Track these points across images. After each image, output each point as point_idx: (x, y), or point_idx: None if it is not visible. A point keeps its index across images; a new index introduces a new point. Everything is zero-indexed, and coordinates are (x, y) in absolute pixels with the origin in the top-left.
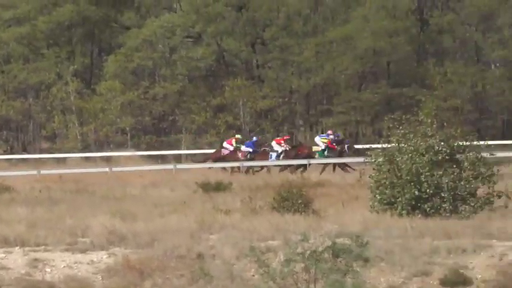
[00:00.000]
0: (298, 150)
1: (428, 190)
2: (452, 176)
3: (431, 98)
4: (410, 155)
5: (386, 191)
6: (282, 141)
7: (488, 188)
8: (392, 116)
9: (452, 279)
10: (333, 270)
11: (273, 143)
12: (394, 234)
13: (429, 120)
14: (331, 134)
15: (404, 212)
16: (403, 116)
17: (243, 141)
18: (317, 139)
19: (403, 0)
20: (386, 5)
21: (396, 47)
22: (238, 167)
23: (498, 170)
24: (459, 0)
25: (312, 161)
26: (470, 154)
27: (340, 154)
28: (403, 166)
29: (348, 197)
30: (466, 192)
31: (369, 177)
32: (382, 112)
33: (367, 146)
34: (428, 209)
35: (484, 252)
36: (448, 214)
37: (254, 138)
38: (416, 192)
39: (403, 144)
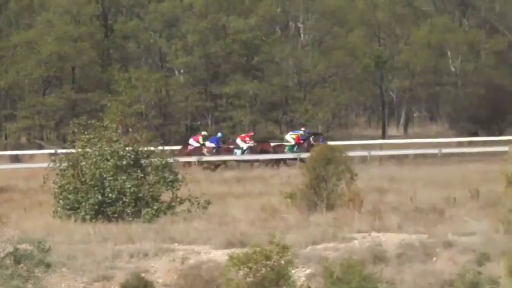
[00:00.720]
0: (263, 146)
1: (111, 195)
2: (136, 180)
3: (116, 104)
4: (94, 160)
5: (70, 196)
6: (247, 138)
7: (172, 193)
8: (77, 121)
9: (133, 283)
10: (14, 276)
11: (238, 140)
12: (77, 239)
13: (114, 126)
14: (302, 130)
15: (88, 217)
16: (88, 121)
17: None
18: (287, 136)
19: (87, 6)
20: (71, 10)
21: (81, 52)
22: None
23: (183, 175)
24: (143, 7)
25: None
26: (155, 159)
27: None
28: (87, 171)
29: (31, 203)
30: (149, 197)
31: (53, 182)
32: (67, 117)
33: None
34: (111, 214)
35: (165, 256)
36: (130, 218)
37: (218, 135)
38: (100, 197)
39: (88, 149)
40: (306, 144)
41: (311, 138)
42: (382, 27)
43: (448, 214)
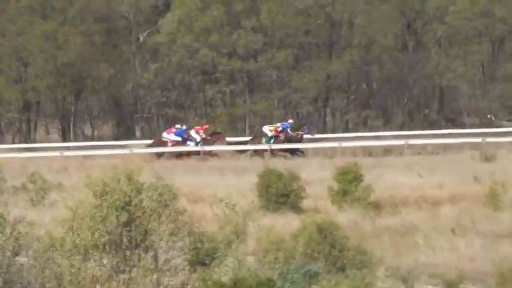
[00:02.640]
0: (217, 138)
1: None
2: None
3: None
4: None
5: None
6: (201, 130)
7: None
8: None
9: None
10: None
11: (192, 132)
12: None
13: None
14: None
15: None
16: None
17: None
18: (265, 128)
19: None
20: None
21: None
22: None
23: None
24: None
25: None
26: None
27: (300, 140)
28: None
29: None
30: None
31: None
32: None
33: None
34: None
35: None
36: None
37: (184, 127)
38: None
39: None
40: (283, 137)
41: (288, 130)
42: None
43: None
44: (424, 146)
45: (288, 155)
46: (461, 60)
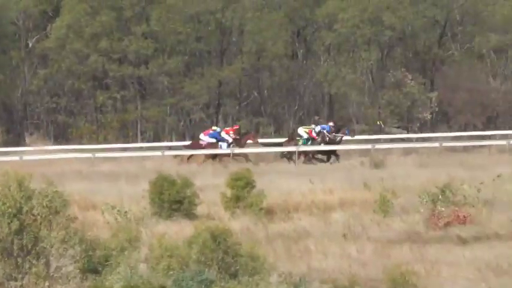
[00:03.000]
0: (247, 138)
1: None
2: None
3: None
4: None
5: None
6: (231, 131)
7: None
8: None
9: None
10: None
11: (222, 133)
12: None
13: None
14: (332, 125)
15: None
16: None
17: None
18: (300, 130)
19: None
20: None
21: None
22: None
23: None
24: None
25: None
26: None
27: (339, 142)
28: None
29: None
30: None
31: None
32: None
33: None
34: None
35: None
36: None
37: (218, 129)
38: None
39: None
40: (319, 139)
41: (325, 131)
42: None
43: None
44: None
45: (324, 158)
46: (350, 67)
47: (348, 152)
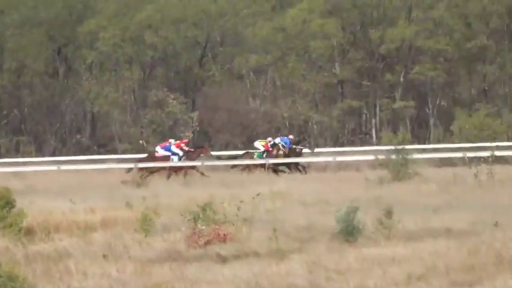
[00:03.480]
0: (200, 152)
1: None
2: None
3: None
4: None
5: None
6: (182, 144)
7: None
8: None
9: None
10: None
11: (173, 147)
12: None
13: None
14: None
15: None
16: None
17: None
18: (256, 143)
19: None
20: None
21: None
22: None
23: None
24: None
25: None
26: None
27: (299, 154)
28: None
29: None
30: None
31: None
32: None
33: None
34: None
35: None
36: None
37: (172, 141)
38: None
39: None
40: (275, 152)
41: (280, 145)
42: None
43: None
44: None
45: (287, 170)
46: (112, 86)
47: (109, 171)
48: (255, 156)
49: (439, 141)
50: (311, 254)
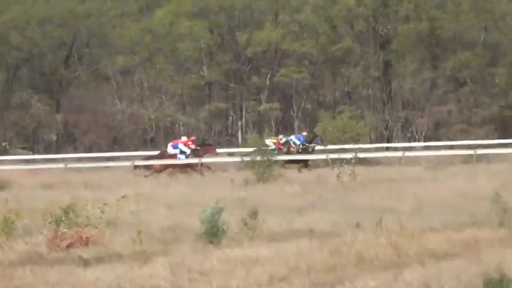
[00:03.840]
0: (208, 150)
1: None
2: None
3: None
4: None
5: None
6: (190, 142)
7: None
8: None
9: None
10: None
11: (180, 145)
12: None
13: None
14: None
15: None
16: None
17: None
18: (267, 141)
19: None
20: None
21: None
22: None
23: None
24: None
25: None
26: None
27: (312, 152)
28: None
29: None
30: None
31: None
32: None
33: None
34: None
35: None
36: None
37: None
38: None
39: None
40: (285, 149)
41: (291, 142)
42: None
43: None
44: None
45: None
46: None
47: None
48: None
49: None
50: (175, 255)
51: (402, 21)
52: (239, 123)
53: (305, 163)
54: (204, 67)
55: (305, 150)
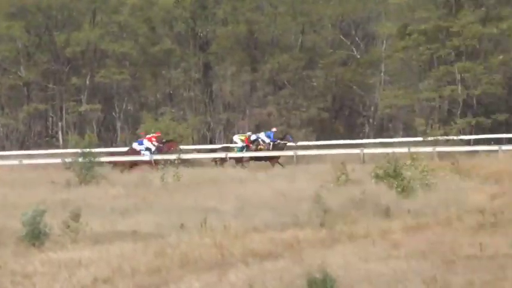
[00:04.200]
0: (170, 146)
1: None
2: None
3: None
4: None
5: None
6: (153, 139)
7: None
8: None
9: None
10: None
11: (145, 141)
12: None
13: None
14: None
15: None
16: None
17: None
18: (235, 137)
19: None
20: None
21: None
22: None
23: None
24: None
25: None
26: None
27: (281, 148)
28: None
29: None
30: None
31: None
32: None
33: None
34: None
35: None
36: None
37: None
38: None
39: None
40: (253, 147)
41: (260, 140)
42: None
43: None
44: None
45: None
46: None
47: None
48: (235, 151)
49: (126, 145)
50: None
51: (220, 23)
52: (59, 124)
53: (276, 159)
54: (21, 67)
55: (276, 147)
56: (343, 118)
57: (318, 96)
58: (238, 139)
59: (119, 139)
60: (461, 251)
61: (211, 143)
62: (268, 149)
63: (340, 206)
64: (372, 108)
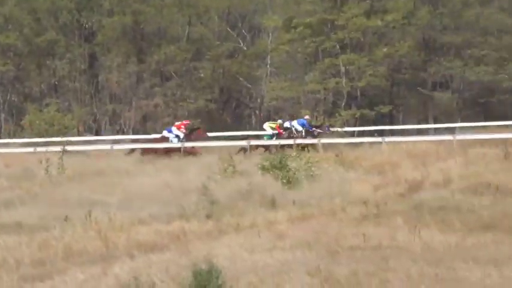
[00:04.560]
0: (198, 133)
1: None
2: None
3: None
4: None
5: None
6: (182, 126)
7: None
8: None
9: None
10: None
11: (173, 128)
12: None
13: None
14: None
15: None
16: None
17: None
18: (265, 125)
19: None
20: None
21: None
22: None
23: None
24: None
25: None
26: None
27: (315, 136)
28: None
29: None
30: None
31: None
32: None
33: None
34: None
35: None
36: None
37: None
38: None
39: None
40: (286, 134)
41: (293, 128)
42: None
43: None
44: None
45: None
46: None
47: None
48: (264, 139)
49: (10, 136)
50: None
51: (106, 14)
52: None
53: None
54: None
55: (310, 134)
56: (230, 110)
57: (206, 88)
58: (268, 127)
59: (3, 131)
60: (345, 242)
61: (97, 134)
62: (302, 137)
63: (227, 197)
64: (259, 100)
